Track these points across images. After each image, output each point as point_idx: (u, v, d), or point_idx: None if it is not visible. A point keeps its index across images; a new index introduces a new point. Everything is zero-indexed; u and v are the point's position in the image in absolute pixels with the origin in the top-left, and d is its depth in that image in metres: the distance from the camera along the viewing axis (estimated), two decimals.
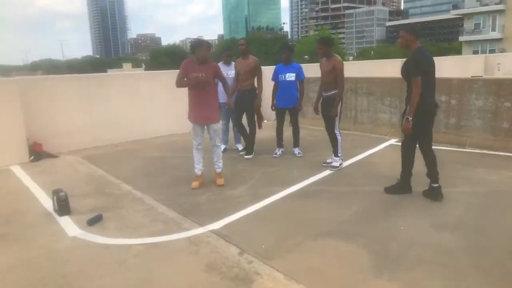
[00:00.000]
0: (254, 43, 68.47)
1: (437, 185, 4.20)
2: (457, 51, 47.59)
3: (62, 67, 73.32)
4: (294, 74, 6.02)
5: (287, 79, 6.03)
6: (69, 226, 3.89)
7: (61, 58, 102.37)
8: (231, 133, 6.86)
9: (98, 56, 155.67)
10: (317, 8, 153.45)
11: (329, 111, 5.37)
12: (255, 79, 6.24)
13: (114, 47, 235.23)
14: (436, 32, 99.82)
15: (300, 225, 3.74)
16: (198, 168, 5.00)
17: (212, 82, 4.88)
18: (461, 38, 45.60)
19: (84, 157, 6.58)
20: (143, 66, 64.78)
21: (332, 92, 5.32)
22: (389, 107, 7.37)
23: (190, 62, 4.83)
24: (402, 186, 4.40)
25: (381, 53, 64.28)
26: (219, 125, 5.07)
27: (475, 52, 41.68)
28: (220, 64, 6.61)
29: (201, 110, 4.81)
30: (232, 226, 3.77)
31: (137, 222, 3.95)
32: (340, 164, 5.47)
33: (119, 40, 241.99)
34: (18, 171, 5.87)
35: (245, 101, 6.16)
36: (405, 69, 4.16)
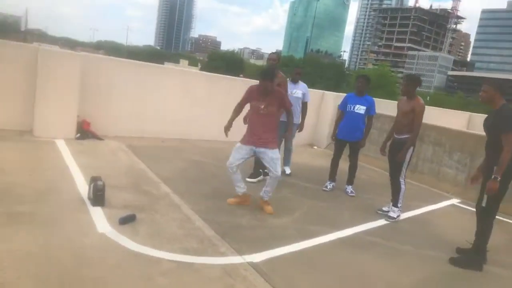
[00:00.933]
0: (310, 65, 68.43)
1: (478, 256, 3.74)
2: None
3: (123, 51, 76.08)
4: (364, 108, 5.55)
5: (355, 111, 5.56)
6: (100, 220, 3.58)
7: (124, 42, 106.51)
8: (281, 155, 6.43)
9: (158, 48, 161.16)
10: (380, 43, 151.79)
11: (396, 155, 4.84)
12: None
13: (175, 42, 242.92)
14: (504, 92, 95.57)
15: (351, 282, 3.24)
16: (242, 187, 4.58)
17: (275, 113, 4.46)
18: None
19: (128, 145, 6.37)
20: (199, 66, 66.01)
21: (406, 136, 4.80)
22: (456, 163, 6.70)
23: (255, 90, 4.48)
24: (473, 261, 3.79)
25: (437, 100, 62.16)
26: (277, 153, 4.49)
27: None
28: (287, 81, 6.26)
29: (257, 133, 4.41)
30: (273, 263, 3.33)
31: (171, 232, 3.58)
32: (398, 216, 4.90)
33: (181, 36, 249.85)
34: (62, 146, 5.72)
35: None
36: (492, 125, 3.68)
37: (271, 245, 3.62)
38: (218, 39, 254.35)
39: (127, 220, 3.62)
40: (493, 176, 3.61)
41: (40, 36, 78.31)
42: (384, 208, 5.09)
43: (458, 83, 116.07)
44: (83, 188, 4.23)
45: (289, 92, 6.08)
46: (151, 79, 7.27)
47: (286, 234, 3.94)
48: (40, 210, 3.58)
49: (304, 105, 6.24)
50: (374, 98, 5.77)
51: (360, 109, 5.56)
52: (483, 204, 3.72)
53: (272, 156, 4.38)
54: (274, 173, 4.40)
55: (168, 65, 38.97)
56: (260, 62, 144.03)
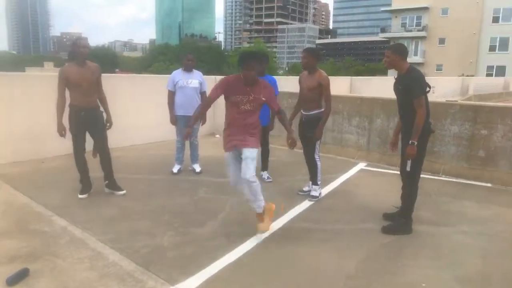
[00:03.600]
0: (186, 50, 67.18)
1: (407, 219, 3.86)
2: (383, 71, 50.58)
3: None
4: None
5: None
6: None
7: None
8: (187, 152, 5.92)
9: (14, 53, 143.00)
10: (251, 21, 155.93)
11: (310, 132, 4.69)
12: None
13: (34, 43, 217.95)
14: (362, 53, 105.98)
15: (300, 283, 2.96)
16: (261, 199, 3.73)
17: (257, 112, 3.72)
18: None
19: (0, 176, 5.23)
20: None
21: (316, 111, 4.66)
22: (356, 128, 6.92)
23: (237, 79, 3.62)
24: (403, 225, 3.83)
25: None
26: (253, 153, 3.61)
27: None
28: (179, 71, 5.71)
29: (240, 133, 3.65)
30: (212, 285, 2.89)
31: (80, 279, 2.90)
32: (320, 194, 4.81)
33: (39, 36, 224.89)
34: None
35: None
36: (404, 89, 3.69)
37: (204, 262, 3.17)
38: (84, 35, 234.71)
39: (17, 279, 2.83)
40: (410, 142, 3.63)
41: None
42: (304, 189, 4.97)
43: (327, 50, 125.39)
44: None
45: (184, 83, 5.56)
46: (13, 92, 6.04)
47: (216, 245, 3.51)
48: None
49: (203, 95, 5.75)
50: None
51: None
52: (408, 169, 3.75)
53: (249, 154, 3.56)
54: (244, 175, 3.52)
55: (31, 71, 34.60)
56: (135, 54, 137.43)
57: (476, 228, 4.03)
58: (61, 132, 4.47)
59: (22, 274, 2.88)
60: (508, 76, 36.31)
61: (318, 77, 4.57)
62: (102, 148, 4.70)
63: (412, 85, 3.61)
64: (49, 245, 3.41)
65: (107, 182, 4.79)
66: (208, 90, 5.99)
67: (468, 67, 42.22)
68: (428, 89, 3.69)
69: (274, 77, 5.63)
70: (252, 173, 3.52)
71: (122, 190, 4.79)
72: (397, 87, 3.81)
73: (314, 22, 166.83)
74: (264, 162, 5.53)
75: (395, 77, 3.87)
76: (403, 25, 47.21)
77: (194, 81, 5.62)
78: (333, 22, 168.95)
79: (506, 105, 5.81)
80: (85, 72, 4.44)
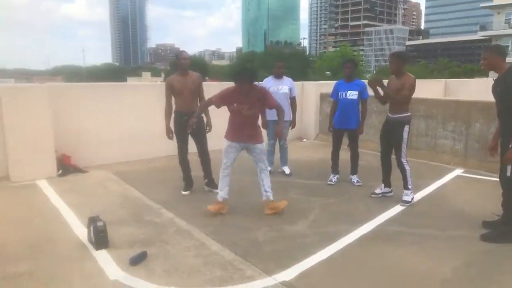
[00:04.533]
0: (272, 57, 68.36)
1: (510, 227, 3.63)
2: (483, 73, 46.51)
3: (82, 73, 73.88)
4: (356, 92, 5.35)
5: (348, 97, 5.36)
6: (108, 264, 3.24)
7: (81, 64, 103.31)
8: (277, 155, 6.18)
9: (117, 64, 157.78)
10: (336, 25, 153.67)
11: (393, 135, 4.68)
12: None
13: (134, 55, 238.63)
14: (458, 53, 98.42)
15: (394, 282, 3.02)
16: (226, 192, 4.47)
17: (258, 114, 4.41)
18: None
19: (116, 173, 5.97)
20: (163, 76, 64.93)
21: (399, 115, 4.61)
22: (452, 133, 6.62)
23: (234, 91, 4.24)
24: (505, 233, 3.65)
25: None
26: (263, 146, 4.47)
27: None
28: (270, 79, 6.02)
29: (244, 131, 4.34)
30: (306, 277, 3.07)
31: (188, 264, 3.27)
32: (412, 199, 4.73)
33: (138, 49, 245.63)
34: (45, 187, 5.29)
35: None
36: (503, 91, 3.52)
37: (297, 257, 3.37)
38: (176, 46, 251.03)
39: (138, 260, 3.29)
40: (510, 146, 3.47)
41: None
42: (376, 191, 4.98)
43: (417, 51, 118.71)
44: (80, 230, 3.86)
45: (275, 89, 5.84)
46: (121, 99, 6.85)
47: (308, 242, 3.69)
48: (39, 267, 3.20)
49: (293, 100, 5.99)
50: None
51: (352, 94, 5.36)
52: (508, 174, 3.58)
53: (262, 149, 4.40)
54: (265, 168, 4.43)
55: (132, 80, 38.04)
56: (223, 62, 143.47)
57: None
58: (169, 135, 5.01)
59: (142, 257, 3.34)
60: None
61: (404, 81, 4.54)
62: (202, 149, 5.16)
63: (511, 87, 3.45)
64: (160, 233, 3.88)
65: (206, 180, 5.25)
66: (298, 95, 6.25)
67: None
68: None
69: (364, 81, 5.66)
70: (265, 164, 4.45)
71: None
72: (495, 89, 3.65)
73: (403, 23, 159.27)
74: (353, 166, 5.57)
75: (494, 78, 3.71)
76: (507, 21, 42.99)
77: (284, 87, 5.87)
78: (425, 22, 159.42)
79: None
80: (186, 81, 4.96)
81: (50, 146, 5.74)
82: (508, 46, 43.27)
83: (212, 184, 5.21)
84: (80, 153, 6.21)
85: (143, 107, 6.97)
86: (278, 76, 5.96)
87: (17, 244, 3.59)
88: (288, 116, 5.95)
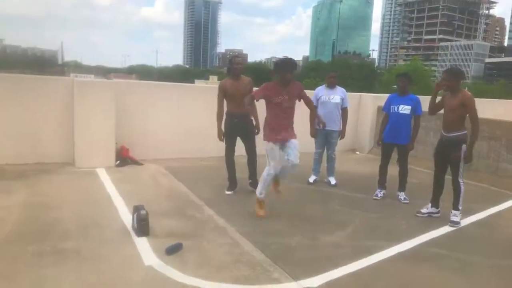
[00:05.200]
0: (339, 67, 67.41)
1: None
2: None
3: (154, 73, 78.08)
4: (409, 107, 5.21)
5: (400, 112, 5.22)
6: (146, 251, 3.45)
7: (154, 64, 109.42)
8: (323, 164, 6.15)
9: (187, 66, 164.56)
10: (409, 38, 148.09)
11: (450, 154, 4.48)
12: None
13: (203, 59, 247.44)
14: None
15: None
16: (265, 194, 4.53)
17: (294, 106, 4.46)
18: None
19: (168, 168, 6.30)
20: None
21: (457, 134, 4.42)
22: None
23: (273, 85, 4.37)
24: None
25: (476, 91, 59.55)
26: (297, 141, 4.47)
27: None
28: (322, 88, 6.03)
29: (286, 128, 4.42)
30: (332, 287, 3.06)
31: (219, 259, 3.40)
32: (460, 220, 4.50)
33: (208, 52, 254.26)
34: (103, 175, 5.72)
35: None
36: None
37: (326, 267, 3.35)
38: (244, 52, 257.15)
39: (174, 250, 3.47)
40: None
41: (76, 67, 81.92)
42: (422, 210, 4.77)
43: (498, 70, 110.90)
44: (126, 218, 4.13)
45: (326, 98, 5.84)
46: (183, 99, 7.22)
47: (340, 253, 3.66)
48: (85, 246, 3.49)
49: (344, 111, 5.94)
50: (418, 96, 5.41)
51: (405, 109, 5.22)
52: None
53: (296, 144, 4.42)
54: (295, 161, 4.38)
55: (198, 83, 39.54)
56: None
57: None
58: (221, 137, 5.21)
59: (178, 248, 3.52)
60: None
61: (461, 98, 4.34)
62: (250, 150, 5.33)
63: None
64: (199, 228, 4.05)
65: (250, 181, 5.39)
66: (350, 107, 6.19)
67: None
68: None
69: (419, 96, 5.47)
70: (298, 160, 4.40)
71: None
72: None
73: (484, 38, 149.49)
74: (401, 183, 5.40)
75: None
76: None
77: (336, 97, 5.85)
78: (509, 39, 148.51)
79: None
80: (238, 85, 5.13)
81: (111, 138, 6.20)
82: None
83: (256, 184, 5.32)
84: (138, 147, 6.63)
85: (201, 107, 7.26)
86: (331, 86, 5.95)
87: (70, 223, 3.94)
88: (338, 126, 5.92)
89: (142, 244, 3.58)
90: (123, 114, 6.40)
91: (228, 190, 5.27)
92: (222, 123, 5.23)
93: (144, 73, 74.66)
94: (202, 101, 7.36)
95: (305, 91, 4.55)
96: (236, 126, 5.18)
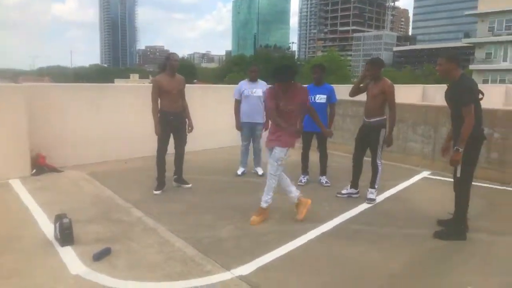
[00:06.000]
0: (261, 61, 68.55)
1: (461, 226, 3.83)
2: None
3: (69, 74, 73.22)
4: (325, 96, 5.53)
5: (317, 101, 5.52)
6: (71, 260, 3.32)
7: (69, 65, 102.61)
8: (251, 156, 6.31)
9: (105, 66, 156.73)
10: (325, 30, 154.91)
11: (371, 138, 4.85)
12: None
13: (122, 57, 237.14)
14: None
15: (345, 277, 3.16)
16: (294, 190, 4.43)
17: (296, 112, 4.30)
18: (471, 67, 45.41)
19: (90, 173, 6.04)
20: (150, 78, 64.74)
21: (378, 119, 4.80)
22: (421, 136, 6.84)
23: (275, 88, 4.29)
24: (456, 231, 3.83)
25: (388, 77, 63.94)
26: (282, 153, 4.26)
27: (485, 81, 41.45)
28: (245, 82, 6.16)
29: (278, 131, 4.27)
30: (264, 272, 3.20)
31: (150, 259, 3.38)
32: (376, 197, 4.92)
33: (127, 50, 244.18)
34: (18, 186, 5.33)
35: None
36: (454, 97, 3.72)
37: (258, 253, 3.49)
38: (166, 48, 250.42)
39: (101, 255, 3.38)
40: (454, 148, 3.65)
41: None
42: (342, 191, 5.15)
43: (405, 57, 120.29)
44: (47, 228, 3.92)
45: (249, 92, 5.98)
46: (103, 100, 6.93)
47: (270, 239, 3.82)
48: (4, 261, 3.27)
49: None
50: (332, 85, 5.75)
51: (321, 98, 5.54)
52: (458, 174, 3.76)
53: (276, 153, 4.24)
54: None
55: (119, 82, 37.93)
56: (212, 65, 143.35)
57: None
58: (158, 132, 5.13)
59: (105, 252, 3.43)
60: None
61: (381, 86, 4.73)
62: (179, 146, 5.35)
63: (462, 93, 3.63)
64: (127, 231, 3.97)
65: (175, 176, 5.43)
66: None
67: None
68: (480, 96, 3.67)
69: (333, 85, 5.82)
70: (274, 168, 4.24)
71: (188, 183, 5.44)
72: (448, 95, 3.84)
73: (392, 29, 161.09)
74: (322, 168, 5.73)
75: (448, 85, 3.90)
76: (491, 29, 43.85)
77: (258, 90, 6.01)
78: (413, 28, 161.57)
79: None
80: (174, 82, 5.14)
81: (24, 146, 5.79)
82: (491, 53, 44.22)
83: (181, 180, 5.39)
84: (56, 153, 6.25)
85: (122, 108, 7.06)
86: (253, 80, 6.10)
87: None
88: (262, 118, 6.10)
89: (67, 253, 3.44)
90: (38, 120, 6.01)
91: (156, 190, 5.21)
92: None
93: (58, 75, 69.75)
94: (124, 101, 7.16)
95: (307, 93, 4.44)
96: (171, 123, 5.16)
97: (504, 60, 43.13)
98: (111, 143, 6.88)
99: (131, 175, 6.10)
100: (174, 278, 3.07)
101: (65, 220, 3.62)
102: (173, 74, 5.15)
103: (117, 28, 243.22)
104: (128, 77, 62.64)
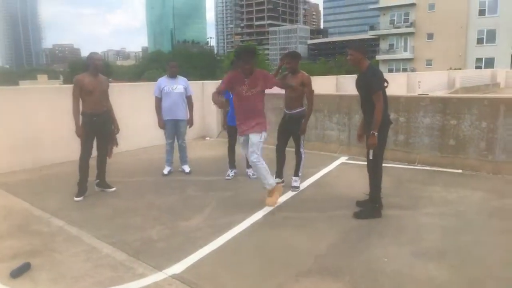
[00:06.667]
0: (180, 57, 67.37)
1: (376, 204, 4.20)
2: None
3: None
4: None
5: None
6: None
7: None
8: (176, 154, 6.24)
9: (7, 67, 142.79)
10: (242, 25, 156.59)
11: (294, 129, 5.07)
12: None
13: (27, 57, 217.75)
14: None
15: (274, 263, 3.31)
16: (270, 183, 4.41)
17: (259, 96, 4.44)
18: (377, 57, 49.07)
19: (1, 184, 5.54)
20: (61, 78, 60.34)
21: (299, 110, 5.02)
22: (337, 124, 7.29)
23: (236, 74, 4.39)
24: (373, 210, 4.18)
25: (304, 70, 66.64)
26: (257, 138, 4.38)
27: (390, 70, 45.07)
28: (164, 78, 6.05)
29: (246, 115, 4.41)
30: (196, 268, 3.23)
31: (77, 269, 3.23)
32: (300, 184, 5.17)
33: (32, 49, 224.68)
34: None
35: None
36: (364, 85, 4.06)
37: (190, 250, 3.51)
38: (75, 46, 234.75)
39: (20, 271, 3.16)
40: (371, 132, 3.99)
41: None
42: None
43: (318, 50, 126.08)
44: None
45: (169, 89, 5.90)
46: (8, 104, 6.36)
47: (201, 235, 3.85)
48: None
49: (189, 99, 6.10)
50: None
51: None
52: (370, 157, 4.10)
53: (254, 140, 4.34)
54: (251, 158, 4.36)
55: (24, 84, 34.90)
56: (128, 62, 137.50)
57: (440, 209, 4.39)
58: (80, 133, 4.87)
59: (25, 268, 3.21)
60: (496, 68, 36.80)
61: (300, 78, 4.94)
62: (103, 148, 5.16)
63: (371, 82, 3.97)
64: (48, 242, 3.74)
65: (97, 181, 5.21)
66: (194, 95, 6.38)
67: (457, 60, 42.71)
68: (386, 84, 4.03)
69: None
70: (255, 156, 4.30)
71: (112, 187, 5.25)
72: (358, 84, 4.16)
73: (305, 22, 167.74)
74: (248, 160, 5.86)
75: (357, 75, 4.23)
76: (392, 22, 47.75)
77: (179, 86, 5.96)
78: (324, 22, 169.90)
79: (472, 96, 6.19)
80: (97, 82, 4.93)
81: None
82: (393, 44, 48.04)
83: (104, 184, 5.24)
84: None
85: (32, 111, 6.54)
86: (173, 76, 6.02)
87: None
88: (184, 115, 6.06)
89: None
90: None
91: (77, 196, 4.94)
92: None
93: None
94: (33, 103, 6.63)
95: (268, 75, 4.53)
96: (95, 124, 4.94)
97: (405, 50, 47.23)
98: (21, 150, 6.35)
99: (48, 183, 5.71)
100: (105, 285, 2.98)
101: None
102: (96, 74, 4.96)
103: (18, 26, 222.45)
104: (35, 78, 57.69)
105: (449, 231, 3.85)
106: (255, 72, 4.38)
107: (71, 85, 4.97)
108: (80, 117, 4.91)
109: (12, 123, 6.33)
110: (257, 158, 4.32)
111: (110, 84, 5.40)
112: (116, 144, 5.30)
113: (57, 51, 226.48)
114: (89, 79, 4.91)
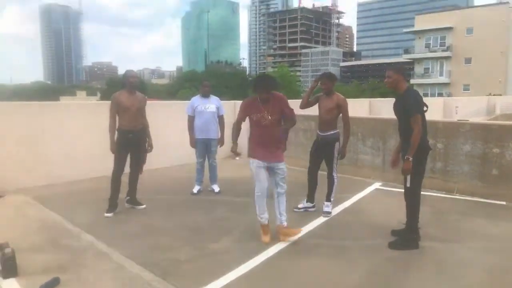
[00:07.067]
0: (213, 76, 68.58)
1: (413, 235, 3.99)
2: None
3: (7, 92, 68.61)
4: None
5: None
6: None
7: (7, 83, 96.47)
8: (207, 173, 6.22)
9: (49, 83, 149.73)
10: (274, 46, 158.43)
11: (327, 151, 4.97)
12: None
13: (68, 73, 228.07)
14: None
15: None
16: (265, 218, 4.23)
17: (278, 123, 4.18)
18: (412, 81, 48.19)
19: (35, 197, 5.67)
20: (99, 95, 62.58)
21: (332, 132, 4.93)
22: (371, 148, 7.09)
23: (252, 101, 4.20)
24: (409, 240, 3.96)
25: (339, 92, 66.36)
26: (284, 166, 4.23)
27: (425, 95, 44.11)
28: (197, 98, 6.11)
29: (267, 147, 4.14)
30: None
31: (104, 287, 3.20)
32: (332, 210, 5.01)
33: (73, 67, 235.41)
34: None
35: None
36: (402, 108, 3.92)
37: (216, 273, 3.41)
38: (114, 64, 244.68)
39: (49, 286, 3.15)
40: (405, 157, 3.82)
41: None
42: (299, 206, 5.20)
43: (351, 72, 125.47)
44: None
45: (202, 108, 5.93)
46: (47, 119, 6.58)
47: (229, 258, 3.75)
48: None
49: (221, 119, 6.11)
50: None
51: None
52: (408, 185, 3.91)
53: (284, 170, 4.22)
54: (283, 188, 4.22)
55: (65, 100, 36.38)
56: (163, 81, 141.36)
57: (483, 244, 4.11)
58: (113, 149, 4.97)
59: (54, 283, 3.21)
60: None
61: (336, 100, 4.86)
62: (136, 165, 5.21)
63: (409, 105, 3.82)
64: (77, 258, 3.74)
65: (128, 198, 5.24)
66: (226, 114, 6.38)
67: (496, 86, 41.34)
68: (425, 108, 3.87)
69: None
70: (285, 186, 4.21)
71: (142, 204, 5.27)
72: (396, 107, 4.02)
73: (337, 45, 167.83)
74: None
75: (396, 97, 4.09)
76: (427, 45, 46.97)
77: (212, 106, 5.99)
78: (357, 44, 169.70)
79: None
80: (134, 99, 5.03)
81: None
82: (428, 68, 47.13)
83: (134, 201, 5.26)
84: None
85: (73, 127, 6.74)
86: (205, 95, 6.07)
87: None
88: (216, 134, 6.06)
89: (10, 286, 3.18)
90: None
91: (107, 213, 4.98)
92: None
93: None
94: (73, 120, 6.83)
95: (288, 103, 4.22)
96: (130, 141, 5.02)
97: (441, 74, 46.22)
98: (58, 165, 6.52)
99: (80, 197, 5.80)
100: None
101: (7, 250, 3.36)
102: (132, 92, 5.04)
103: (61, 43, 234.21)
104: (75, 95, 60.20)
105: (494, 269, 3.58)
106: (273, 97, 4.15)
107: (109, 101, 5.09)
108: (116, 133, 4.99)
109: (52, 138, 6.52)
110: (285, 188, 4.23)
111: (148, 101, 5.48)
112: (144, 161, 5.32)
113: (96, 69, 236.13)
114: (126, 96, 5.00)
